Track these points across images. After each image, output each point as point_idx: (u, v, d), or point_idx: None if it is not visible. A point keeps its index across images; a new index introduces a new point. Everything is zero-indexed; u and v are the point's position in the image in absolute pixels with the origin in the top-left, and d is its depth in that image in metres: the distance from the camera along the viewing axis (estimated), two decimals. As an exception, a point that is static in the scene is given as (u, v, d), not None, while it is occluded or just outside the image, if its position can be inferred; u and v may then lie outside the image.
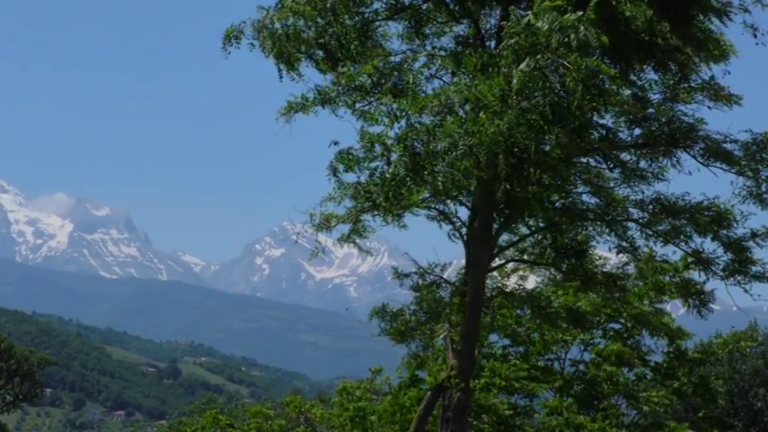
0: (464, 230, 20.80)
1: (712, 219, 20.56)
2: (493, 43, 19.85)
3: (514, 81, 16.34)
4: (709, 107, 20.16)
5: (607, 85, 16.90)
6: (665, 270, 28.23)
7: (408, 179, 18.13)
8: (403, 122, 18.19)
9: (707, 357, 35.07)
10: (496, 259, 21.95)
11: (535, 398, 33.53)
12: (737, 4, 19.40)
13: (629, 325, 33.05)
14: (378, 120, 18.54)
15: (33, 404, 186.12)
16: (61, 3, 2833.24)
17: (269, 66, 20.09)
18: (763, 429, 44.43)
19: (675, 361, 33.84)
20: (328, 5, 19.51)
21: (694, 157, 20.30)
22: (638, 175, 20.63)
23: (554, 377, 33.51)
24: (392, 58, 20.30)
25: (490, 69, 17.57)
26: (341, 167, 19.17)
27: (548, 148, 18.65)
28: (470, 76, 17.94)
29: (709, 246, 21.09)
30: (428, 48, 20.92)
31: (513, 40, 16.54)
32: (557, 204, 20.76)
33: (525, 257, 23.11)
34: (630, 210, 21.16)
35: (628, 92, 19.13)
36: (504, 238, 21.77)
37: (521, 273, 25.80)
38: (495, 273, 23.41)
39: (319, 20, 19.68)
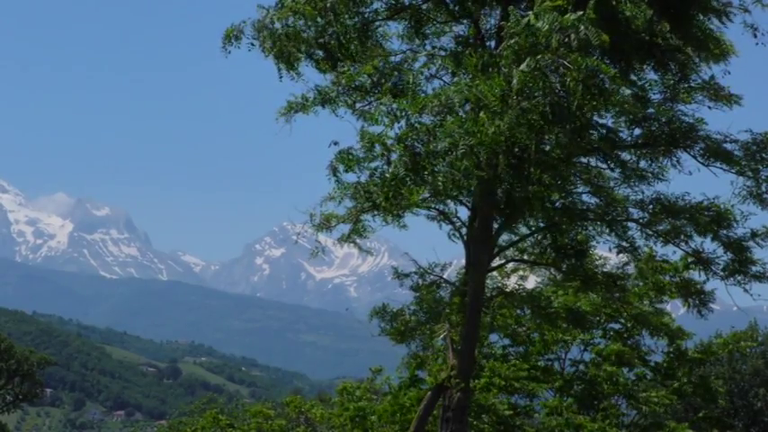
0: (464, 230, 20.80)
1: (712, 219, 20.55)
2: (493, 43, 19.85)
3: (514, 81, 16.33)
4: (709, 107, 20.17)
5: (607, 85, 16.89)
6: (665, 270, 28.23)
7: (408, 179, 18.12)
8: (403, 122, 18.18)
9: (707, 357, 35.07)
10: (496, 259, 21.94)
11: (535, 398, 33.54)
12: (737, 4, 19.41)
13: (629, 325, 33.04)
14: (378, 120, 18.53)
15: (33, 404, 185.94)
16: (61, 2, 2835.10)
17: (269, 66, 20.11)
18: (763, 429, 44.42)
19: (675, 361, 33.84)
20: (328, 5, 19.50)
21: (694, 157, 20.30)
22: (638, 175, 20.62)
23: (554, 377, 33.51)
24: (392, 58, 20.29)
25: (490, 69, 17.57)
26: (341, 167, 19.16)
27: (548, 148, 18.65)
28: (470, 76, 17.93)
29: (709, 246, 21.11)
30: (428, 48, 20.91)
31: (513, 41, 16.54)
32: (557, 204, 20.75)
33: (525, 257, 23.11)
34: (630, 210, 21.15)
35: (628, 92, 19.12)
36: (504, 238, 21.77)
37: (521, 273, 25.81)
38: (495, 273, 23.42)
39: (319, 19, 19.67)
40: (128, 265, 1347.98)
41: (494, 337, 33.01)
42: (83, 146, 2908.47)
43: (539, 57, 16.16)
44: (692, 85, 19.97)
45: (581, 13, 16.11)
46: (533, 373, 32.56)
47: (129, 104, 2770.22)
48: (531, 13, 16.54)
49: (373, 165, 18.90)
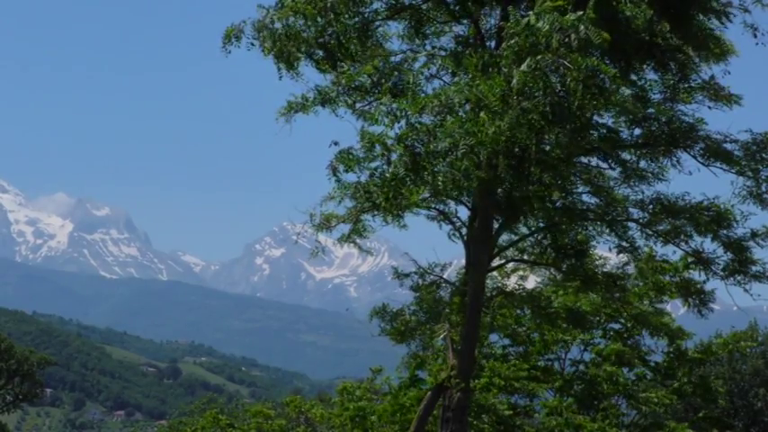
0: (464, 230, 20.80)
1: (712, 219, 20.55)
2: (493, 43, 19.85)
3: (515, 81, 16.33)
4: (709, 107, 20.18)
5: (607, 85, 16.89)
6: (665, 270, 28.21)
7: (408, 179, 18.12)
8: (403, 122, 18.17)
9: (707, 357, 35.05)
10: (496, 259, 21.94)
11: (535, 398, 33.54)
12: (737, 4, 19.40)
13: (629, 325, 33.04)
14: (378, 120, 18.52)
15: (33, 404, 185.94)
16: (61, 2, 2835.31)
17: (269, 65, 20.10)
18: (763, 429, 44.41)
19: (675, 361, 33.83)
20: (328, 5, 19.50)
21: (694, 157, 20.30)
22: (638, 175, 20.63)
23: (554, 377, 33.51)
24: (392, 58, 20.29)
25: (490, 69, 17.57)
26: (341, 167, 19.15)
27: (548, 148, 18.65)
28: (470, 76, 17.93)
29: (709, 246, 21.11)
30: (428, 48, 20.91)
31: (513, 41, 16.54)
32: (557, 204, 20.76)
33: (525, 257, 23.10)
34: (630, 210, 21.16)
35: (628, 92, 19.13)
36: (504, 238, 21.77)
37: (521, 273, 25.81)
38: (495, 273, 23.42)
39: (319, 19, 19.66)
40: (128, 265, 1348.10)
41: (494, 337, 33.01)
42: (83, 146, 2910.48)
43: (539, 57, 16.16)
44: (692, 85, 19.99)
45: (581, 13, 16.11)
46: (533, 373, 32.55)
47: (129, 104, 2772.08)
48: (531, 13, 16.54)
49: (373, 165, 18.91)
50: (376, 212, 19.42)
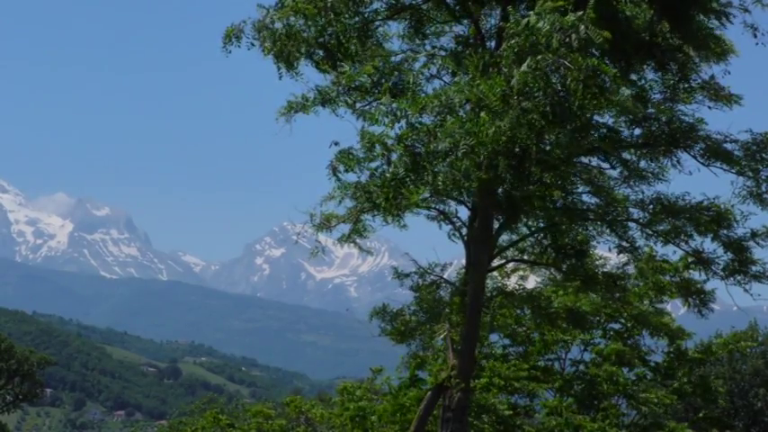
0: (464, 230, 20.79)
1: (712, 219, 20.55)
2: (493, 43, 19.84)
3: (515, 81, 16.33)
4: (709, 107, 20.17)
5: (608, 85, 16.89)
6: (665, 270, 28.20)
7: (408, 179, 18.12)
8: (403, 122, 18.17)
9: (707, 357, 35.05)
10: (496, 259, 21.93)
11: (535, 398, 33.54)
12: (737, 4, 19.39)
13: (629, 325, 33.03)
14: (378, 120, 18.51)
15: (33, 404, 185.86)
16: (61, 2, 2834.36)
17: (269, 65, 20.10)
18: (763, 429, 44.41)
19: (675, 361, 33.82)
20: (328, 4, 19.49)
21: (694, 157, 20.29)
22: (638, 175, 20.62)
23: (554, 377, 33.50)
24: (392, 58, 20.28)
25: (491, 69, 17.57)
26: (341, 167, 19.15)
27: (548, 147, 18.64)
28: (471, 76, 17.93)
29: (709, 246, 21.09)
30: (428, 48, 20.90)
31: (513, 41, 16.54)
32: (558, 204, 20.75)
33: (525, 257, 23.09)
34: (631, 210, 21.15)
35: (628, 92, 19.11)
36: (504, 238, 21.76)
37: (521, 273, 25.78)
38: (495, 273, 23.39)
39: (319, 19, 19.66)
40: (128, 265, 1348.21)
41: (494, 337, 32.99)
42: (83, 146, 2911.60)
43: (539, 57, 16.15)
44: (692, 85, 19.97)
45: (581, 13, 16.11)
46: (533, 373, 32.55)
47: (129, 104, 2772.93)
48: (531, 13, 16.54)
49: (373, 165, 18.91)
50: (376, 212, 19.41)
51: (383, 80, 19.47)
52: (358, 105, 20.10)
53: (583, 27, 15.88)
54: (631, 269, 23.67)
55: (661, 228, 21.06)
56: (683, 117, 20.04)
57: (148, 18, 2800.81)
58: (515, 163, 18.34)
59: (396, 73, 19.61)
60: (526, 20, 16.39)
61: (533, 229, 21.78)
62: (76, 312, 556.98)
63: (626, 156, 20.59)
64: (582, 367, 33.63)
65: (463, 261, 21.31)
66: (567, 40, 15.94)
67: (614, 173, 20.85)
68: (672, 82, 19.92)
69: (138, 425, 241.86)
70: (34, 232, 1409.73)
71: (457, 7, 20.63)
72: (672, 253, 22.53)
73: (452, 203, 20.78)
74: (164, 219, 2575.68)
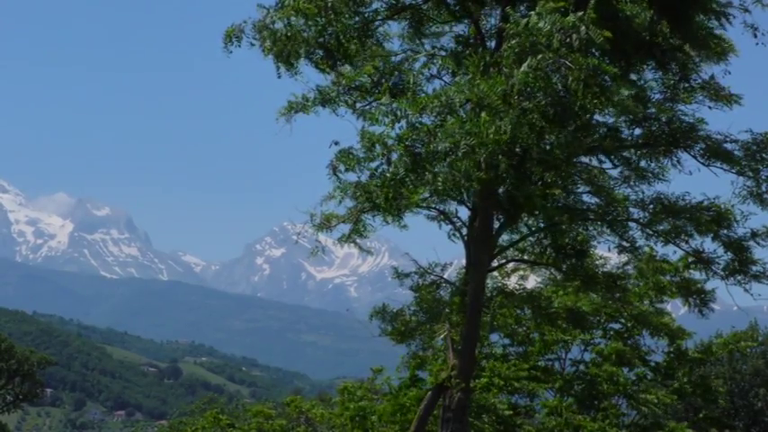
0: (464, 230, 20.78)
1: (713, 218, 20.55)
2: (493, 43, 19.84)
3: (515, 80, 16.34)
4: (709, 107, 20.17)
5: (609, 85, 16.89)
6: (665, 270, 28.18)
7: (408, 179, 18.12)
8: (403, 122, 18.16)
9: (707, 357, 35.06)
10: (496, 259, 21.93)
11: (535, 398, 33.55)
12: (737, 4, 19.40)
13: (629, 325, 33.03)
14: (378, 120, 18.51)
15: (34, 404, 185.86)
16: (61, 2, 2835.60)
17: (269, 65, 20.10)
18: (763, 429, 44.40)
19: (675, 361, 33.82)
20: (329, 4, 19.49)
21: (695, 157, 20.30)
22: (638, 175, 20.63)
23: (554, 377, 33.50)
24: (392, 58, 20.29)
25: (491, 69, 17.57)
26: (341, 167, 19.15)
27: (549, 147, 18.64)
28: (471, 75, 17.92)
29: (709, 245, 21.10)
30: (428, 48, 20.91)
31: (514, 41, 16.54)
32: (558, 203, 20.74)
33: (525, 257, 23.08)
34: (631, 209, 21.15)
35: (627, 92, 19.12)
36: (505, 238, 21.74)
37: (521, 273, 25.77)
38: (495, 273, 23.39)
39: (319, 19, 19.67)
40: (128, 265, 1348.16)
41: (494, 337, 33.00)
42: (83, 146, 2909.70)
43: (540, 57, 16.16)
44: (693, 85, 19.98)
45: (582, 13, 16.12)
46: (533, 373, 32.55)
47: (129, 104, 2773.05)
48: (532, 13, 16.55)
49: (374, 165, 18.89)
50: (376, 212, 19.41)
51: (383, 80, 19.49)
52: (358, 105, 20.11)
53: (584, 27, 15.89)
54: (631, 269, 23.67)
55: (661, 228, 21.06)
56: (683, 117, 20.05)
57: (148, 18, 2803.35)
58: (516, 163, 18.35)
59: (396, 73, 19.63)
60: (526, 20, 16.40)
61: (533, 228, 21.77)
62: (77, 312, 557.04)
63: (626, 155, 20.60)
64: (582, 367, 33.64)
65: (463, 261, 21.31)
66: (568, 40, 15.94)
67: (614, 173, 20.89)
68: (672, 82, 19.93)
69: (138, 425, 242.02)
70: (34, 232, 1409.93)
71: (457, 7, 20.63)
72: (672, 253, 22.53)
73: (452, 203, 20.77)
74: (164, 219, 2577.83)
